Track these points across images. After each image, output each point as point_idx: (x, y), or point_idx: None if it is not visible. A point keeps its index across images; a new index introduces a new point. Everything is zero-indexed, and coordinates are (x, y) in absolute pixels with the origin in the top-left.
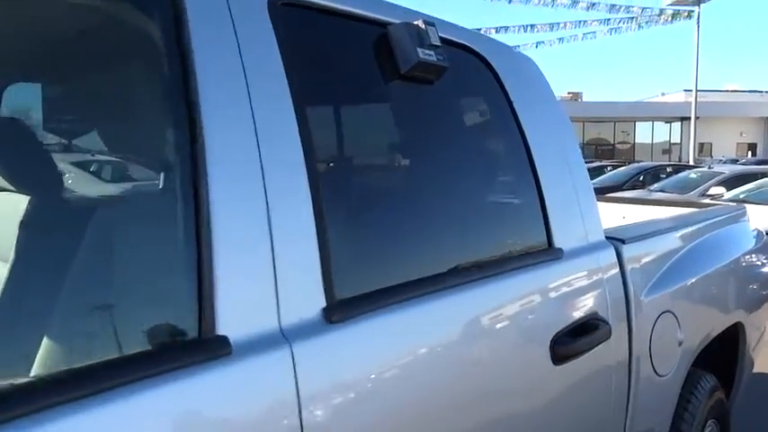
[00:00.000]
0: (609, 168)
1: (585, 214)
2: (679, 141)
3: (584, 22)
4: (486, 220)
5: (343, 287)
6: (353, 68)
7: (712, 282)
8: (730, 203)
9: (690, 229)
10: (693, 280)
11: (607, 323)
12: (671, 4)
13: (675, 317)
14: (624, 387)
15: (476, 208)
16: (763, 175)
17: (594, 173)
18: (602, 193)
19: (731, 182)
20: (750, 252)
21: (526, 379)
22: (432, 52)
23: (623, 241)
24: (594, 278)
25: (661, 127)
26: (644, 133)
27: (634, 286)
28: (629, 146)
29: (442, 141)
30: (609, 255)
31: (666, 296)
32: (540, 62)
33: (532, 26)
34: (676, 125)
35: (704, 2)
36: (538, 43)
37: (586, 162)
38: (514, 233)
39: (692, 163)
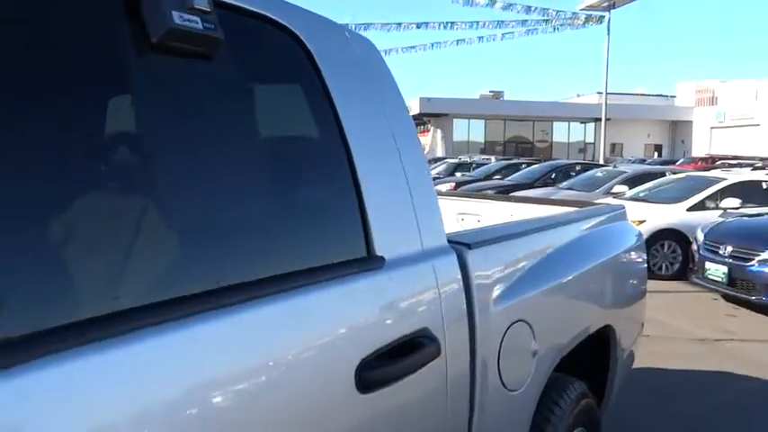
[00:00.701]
0: (524, 166)
1: (422, 217)
2: (593, 141)
3: (503, 22)
4: (278, 227)
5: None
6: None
7: (576, 285)
8: (611, 203)
9: (553, 231)
10: (553, 285)
11: (435, 340)
12: (584, 9)
13: (529, 326)
14: (464, 407)
15: (265, 213)
16: (661, 174)
17: (510, 170)
18: (514, 189)
19: (633, 180)
20: (624, 251)
21: (325, 413)
22: (196, 18)
23: (469, 246)
24: (426, 289)
25: (577, 127)
26: (561, 133)
27: (480, 295)
28: (547, 144)
29: (219, 130)
30: (448, 262)
31: (519, 304)
32: (462, 60)
33: (452, 23)
34: (591, 125)
35: (615, 8)
36: (458, 41)
37: (504, 158)
38: (321, 241)
39: (601, 162)
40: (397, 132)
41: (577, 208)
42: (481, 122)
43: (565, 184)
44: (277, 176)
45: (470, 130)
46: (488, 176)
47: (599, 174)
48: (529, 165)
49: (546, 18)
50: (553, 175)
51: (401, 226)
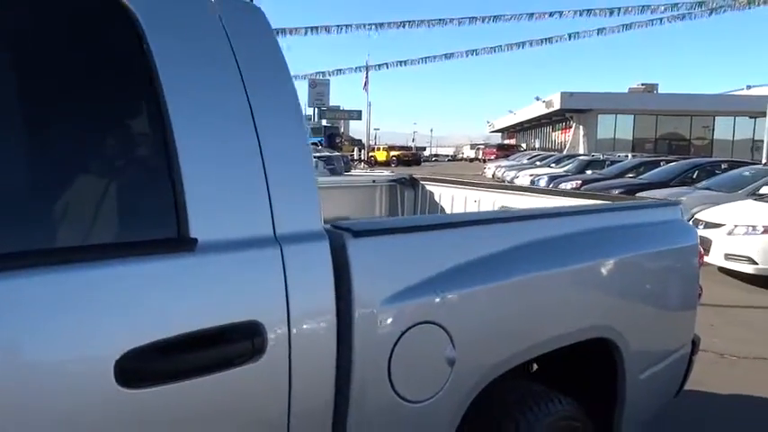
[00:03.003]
0: (663, 163)
1: (281, 199)
2: (764, 139)
3: (649, 7)
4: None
5: None
6: None
7: (536, 288)
8: (667, 198)
9: (515, 225)
10: (492, 286)
11: (260, 335)
12: None
13: (444, 329)
14: (319, 419)
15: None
16: None
17: (646, 167)
18: (643, 189)
19: None
20: (651, 252)
21: (76, 404)
22: None
23: (355, 234)
24: (262, 277)
25: (745, 122)
26: (725, 129)
27: (361, 290)
28: (707, 142)
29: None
30: (313, 249)
31: (427, 304)
32: (605, 51)
33: (590, 11)
34: (762, 120)
35: None
36: (599, 30)
37: (648, 157)
38: (112, 216)
39: (764, 161)
40: (260, 107)
41: (615, 202)
42: (630, 118)
43: (703, 183)
44: (67, 141)
45: (617, 127)
46: (620, 174)
47: (746, 173)
48: (667, 162)
49: (700, 0)
50: (695, 174)
51: (237, 207)
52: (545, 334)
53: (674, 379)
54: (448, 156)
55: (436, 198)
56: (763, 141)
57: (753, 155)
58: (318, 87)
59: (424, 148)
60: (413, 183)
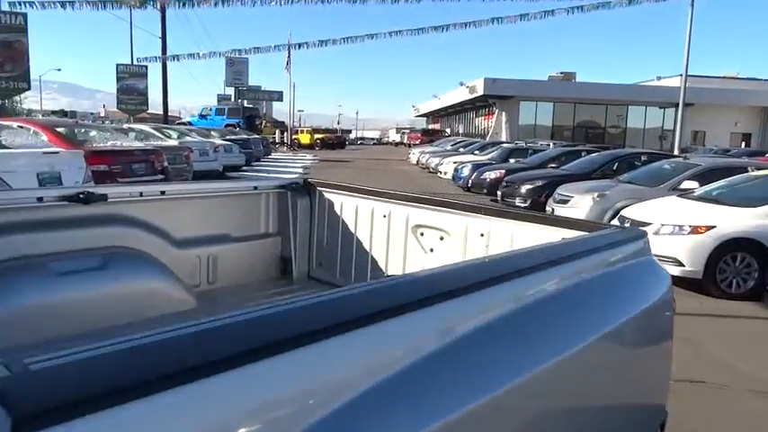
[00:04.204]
0: (584, 153)
1: None
2: (673, 128)
3: None
4: None
5: None
6: None
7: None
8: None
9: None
10: None
11: None
12: None
13: None
14: None
15: None
16: (742, 169)
17: (568, 157)
18: (567, 180)
19: (706, 176)
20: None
21: None
22: None
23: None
24: None
25: (655, 112)
26: (637, 118)
27: None
28: (620, 130)
29: None
30: None
31: None
32: (529, 39)
33: None
34: (671, 111)
35: None
36: (521, 16)
37: (566, 145)
38: None
39: (676, 152)
40: None
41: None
42: (550, 105)
43: (625, 176)
44: None
45: (538, 114)
46: (543, 164)
47: (666, 166)
48: (589, 152)
49: None
50: (615, 166)
51: None
52: None
53: None
54: (374, 139)
55: (336, 209)
56: (671, 131)
57: (661, 144)
58: (237, 66)
59: (350, 131)
60: (308, 189)
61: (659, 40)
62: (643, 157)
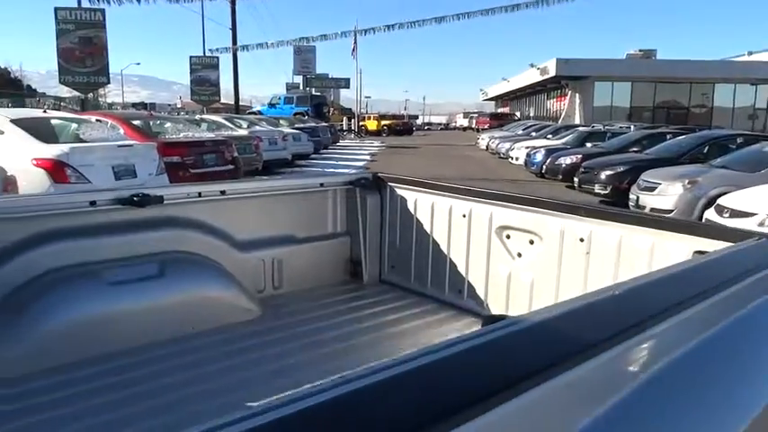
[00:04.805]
0: (669, 136)
1: None
2: (765, 107)
3: None
4: None
5: None
6: None
7: None
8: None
9: None
10: None
11: None
12: None
13: None
14: None
15: None
16: None
17: (652, 141)
18: (653, 165)
19: None
20: None
21: None
22: None
23: None
24: None
25: (745, 90)
26: (724, 96)
27: None
28: (706, 110)
29: None
30: None
31: None
32: (603, 16)
33: None
34: (764, 88)
35: None
36: None
37: (648, 127)
38: None
39: None
40: None
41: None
42: (627, 85)
43: (719, 161)
44: None
45: (614, 94)
46: (623, 148)
47: (766, 149)
48: (675, 135)
49: None
50: (705, 150)
51: None
52: None
53: None
54: (441, 124)
55: (410, 206)
56: (763, 109)
57: (753, 124)
58: (304, 54)
59: (417, 117)
60: (378, 185)
61: (750, 10)
62: (739, 140)
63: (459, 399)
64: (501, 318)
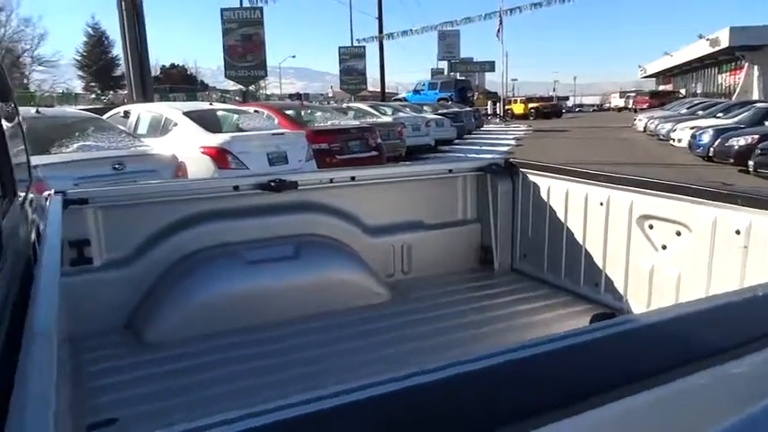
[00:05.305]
0: None
1: None
2: None
3: None
4: None
5: None
6: None
7: None
8: None
9: None
10: None
11: None
12: None
13: None
14: None
15: None
16: None
17: None
18: None
19: None
20: None
21: None
22: None
23: None
24: None
25: None
26: None
27: None
28: None
29: None
30: None
31: None
32: None
33: None
34: None
35: None
36: None
37: None
38: None
39: None
40: None
41: None
42: None
43: None
44: None
45: None
46: None
47: None
48: None
49: None
50: None
51: None
52: None
53: None
54: (593, 106)
55: (542, 193)
56: None
57: None
58: (448, 39)
59: (567, 98)
60: (510, 171)
61: None
62: None
63: (540, 398)
64: (611, 315)
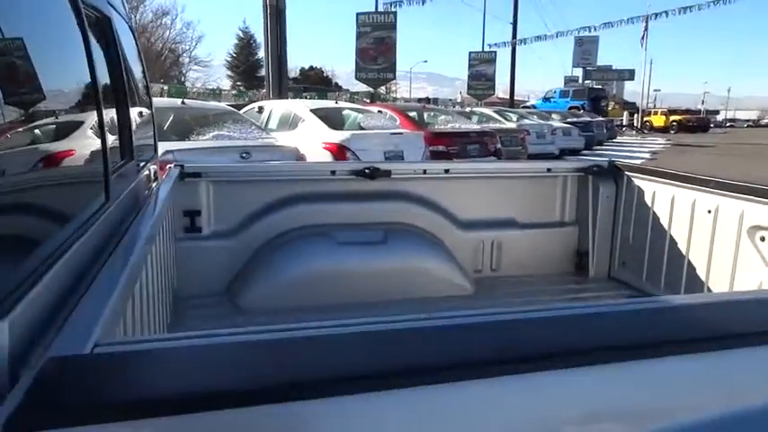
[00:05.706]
0: None
1: None
2: None
3: None
4: None
5: None
6: None
7: None
8: None
9: None
10: None
11: None
12: None
13: None
14: None
15: None
16: None
17: None
18: None
19: None
20: None
21: None
22: None
23: None
24: None
25: None
26: None
27: None
28: None
29: None
30: None
31: None
32: None
33: None
34: None
35: None
36: None
37: None
38: None
39: None
40: None
41: None
42: None
43: None
44: None
45: None
46: None
47: None
48: None
49: None
50: None
51: None
52: None
53: None
54: (748, 121)
55: (647, 198)
56: None
57: None
58: (585, 45)
59: (717, 112)
60: (613, 174)
61: None
62: None
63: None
64: None
